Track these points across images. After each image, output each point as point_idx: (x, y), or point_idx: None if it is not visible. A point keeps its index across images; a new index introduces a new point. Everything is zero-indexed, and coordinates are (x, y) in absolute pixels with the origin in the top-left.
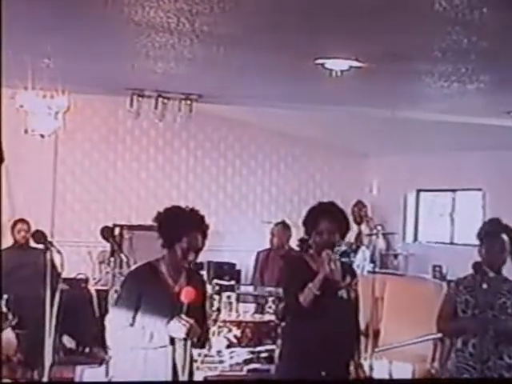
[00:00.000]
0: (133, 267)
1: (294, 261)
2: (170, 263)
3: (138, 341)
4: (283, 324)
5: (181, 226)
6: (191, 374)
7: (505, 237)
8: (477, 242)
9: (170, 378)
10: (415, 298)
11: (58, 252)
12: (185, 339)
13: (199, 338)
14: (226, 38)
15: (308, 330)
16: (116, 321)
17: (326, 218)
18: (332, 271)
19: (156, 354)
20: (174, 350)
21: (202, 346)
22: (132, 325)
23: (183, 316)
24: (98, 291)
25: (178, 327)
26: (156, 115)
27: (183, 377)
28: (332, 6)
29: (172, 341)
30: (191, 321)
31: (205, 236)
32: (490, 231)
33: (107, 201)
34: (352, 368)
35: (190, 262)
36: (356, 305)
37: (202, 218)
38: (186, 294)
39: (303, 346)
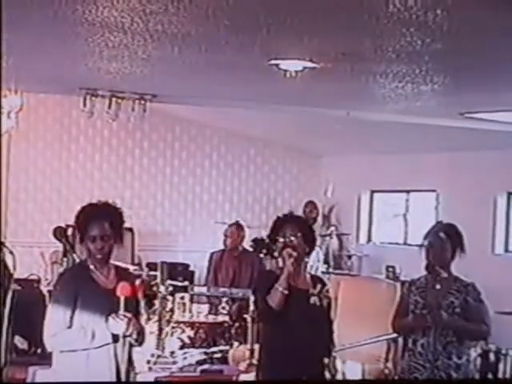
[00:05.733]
0: (62, 269)
1: (266, 273)
2: (94, 259)
3: (79, 342)
4: (261, 330)
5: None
6: (128, 372)
7: (442, 235)
8: None
9: (114, 377)
10: (368, 299)
11: (10, 253)
12: (125, 335)
13: (139, 333)
14: (180, 38)
15: (284, 337)
16: (53, 324)
17: (288, 224)
18: (294, 268)
19: (98, 354)
20: (115, 348)
21: (141, 343)
22: (70, 326)
23: (121, 311)
24: (50, 292)
25: (118, 323)
26: (109, 115)
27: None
28: (286, 6)
29: (114, 338)
30: (129, 315)
31: (112, 225)
32: (430, 233)
33: (60, 201)
34: (327, 373)
35: (102, 251)
36: (329, 311)
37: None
38: (122, 290)
39: (279, 352)
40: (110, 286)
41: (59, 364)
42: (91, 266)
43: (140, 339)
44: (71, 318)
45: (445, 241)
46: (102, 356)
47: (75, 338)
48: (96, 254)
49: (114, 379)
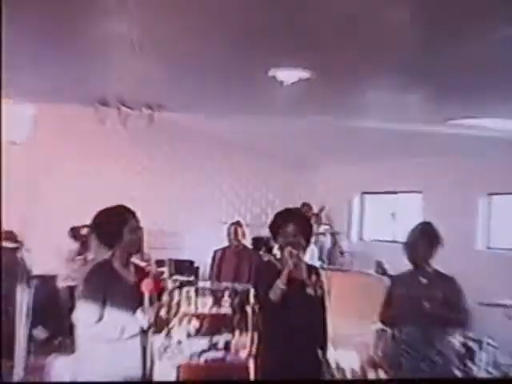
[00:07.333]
0: (90, 265)
1: (265, 265)
2: (119, 259)
3: (110, 334)
4: (261, 318)
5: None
6: (152, 359)
7: (419, 234)
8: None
9: (140, 364)
10: (358, 291)
11: (27, 251)
12: (150, 326)
13: (161, 323)
14: (188, 56)
15: (282, 323)
16: (85, 318)
17: (290, 222)
18: (295, 266)
19: (128, 343)
20: (141, 338)
21: (160, 332)
22: (100, 319)
23: (146, 306)
24: (66, 287)
25: (144, 317)
26: (120, 122)
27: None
28: (283, 22)
29: (141, 330)
30: (154, 309)
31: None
32: (411, 232)
33: (75, 202)
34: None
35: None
36: (322, 300)
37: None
38: (147, 286)
39: (278, 337)
40: (132, 282)
41: (91, 352)
42: (115, 264)
43: (161, 328)
44: (101, 312)
45: (421, 239)
46: (131, 344)
47: (107, 331)
48: (133, 248)
49: (140, 366)
